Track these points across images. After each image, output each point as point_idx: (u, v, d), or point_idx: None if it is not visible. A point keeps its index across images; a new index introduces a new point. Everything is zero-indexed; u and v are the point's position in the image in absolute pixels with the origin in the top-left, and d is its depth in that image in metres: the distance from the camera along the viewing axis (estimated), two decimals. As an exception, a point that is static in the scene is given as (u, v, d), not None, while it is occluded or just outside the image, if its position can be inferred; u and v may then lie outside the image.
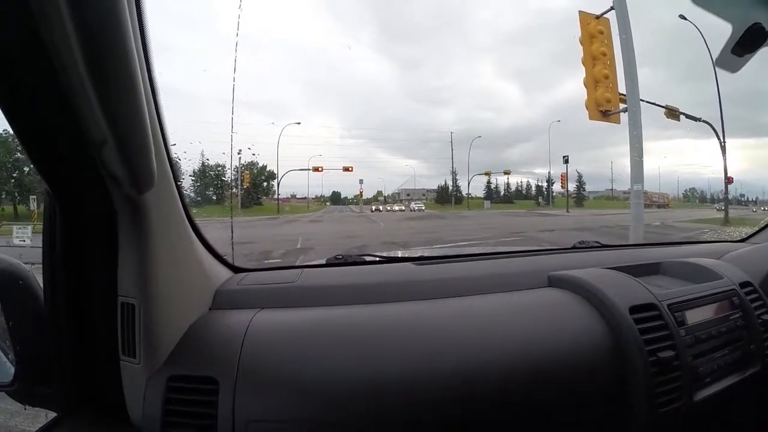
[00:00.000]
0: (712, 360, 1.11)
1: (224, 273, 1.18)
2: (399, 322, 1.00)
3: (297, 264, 1.39)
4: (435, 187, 48.92)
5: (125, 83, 0.61)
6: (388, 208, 36.98)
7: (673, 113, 10.96)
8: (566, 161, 31.43)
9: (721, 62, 1.09)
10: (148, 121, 0.67)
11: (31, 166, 0.73)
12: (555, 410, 0.95)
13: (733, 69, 1.11)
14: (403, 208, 37.13)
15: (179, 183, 0.93)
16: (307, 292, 1.11)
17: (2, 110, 0.64)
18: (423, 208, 36.33)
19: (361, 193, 37.93)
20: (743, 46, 1.00)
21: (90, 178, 0.75)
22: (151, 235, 0.82)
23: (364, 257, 1.42)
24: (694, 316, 1.14)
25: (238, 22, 1.77)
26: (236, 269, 1.24)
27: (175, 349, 0.88)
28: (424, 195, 49.55)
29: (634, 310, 1.06)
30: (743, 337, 1.20)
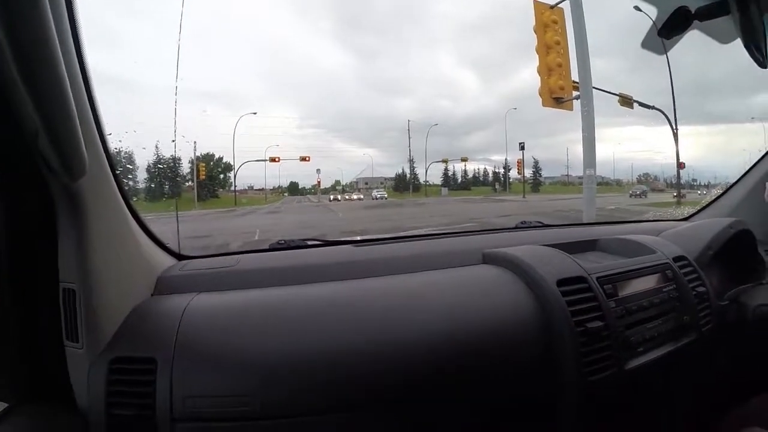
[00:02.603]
0: (644, 330, 1.16)
1: (167, 260, 1.20)
2: (335, 300, 1.03)
3: (239, 250, 1.41)
4: (393, 175, 48.90)
5: (50, 73, 0.62)
6: (347, 197, 36.63)
7: (626, 101, 11.36)
8: (522, 148, 31.79)
9: (648, 44, 1.14)
10: (75, 110, 0.68)
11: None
12: (488, 380, 0.99)
13: (661, 51, 1.17)
14: (362, 196, 36.72)
15: (117, 171, 0.96)
16: (245, 275, 1.14)
17: None
18: (386, 195, 35.64)
19: (318, 182, 37.66)
20: (670, 28, 1.03)
21: (28, 167, 0.76)
22: (88, 222, 0.84)
23: (306, 241, 1.45)
24: (625, 289, 1.19)
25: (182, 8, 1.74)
26: (180, 257, 1.26)
27: (116, 333, 0.91)
28: (382, 183, 49.45)
29: (561, 282, 1.10)
30: (677, 308, 1.26)
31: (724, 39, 1.14)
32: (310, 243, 1.44)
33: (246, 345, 0.89)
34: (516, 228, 1.75)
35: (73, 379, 0.89)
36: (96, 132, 0.85)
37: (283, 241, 1.43)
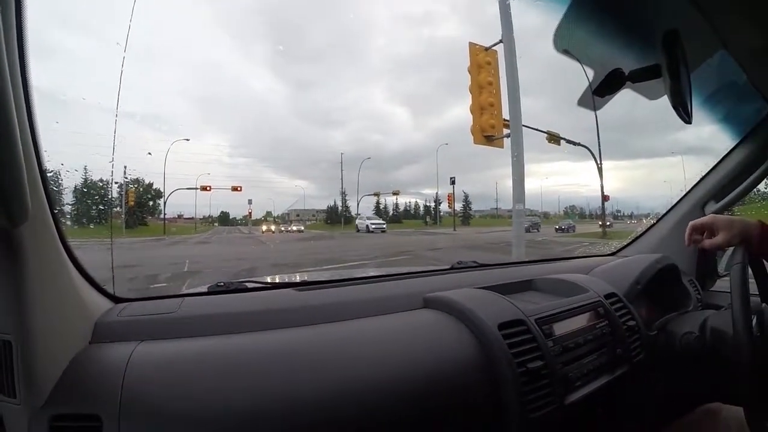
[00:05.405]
0: (581, 366, 1.22)
1: (104, 304, 1.12)
2: (280, 349, 1.01)
3: (179, 292, 1.36)
4: (325, 207, 48.86)
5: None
6: (282, 228, 35.72)
7: (554, 138, 12.01)
8: (453, 182, 32.69)
9: (583, 102, 1.24)
10: (22, 155, 0.65)
11: None
12: (435, 424, 1.00)
13: (595, 108, 1.27)
14: (302, 228, 35.72)
15: (55, 211, 0.89)
16: (187, 322, 1.09)
17: None
18: (384, 226, 33.96)
19: (250, 213, 37.06)
20: (605, 88, 1.12)
21: None
22: (27, 268, 0.77)
23: (246, 283, 1.42)
24: (561, 328, 1.24)
25: (128, 30, 1.70)
26: (117, 299, 1.18)
27: (56, 386, 0.84)
28: (314, 215, 49.32)
29: (502, 326, 1.13)
30: (610, 343, 1.33)
31: (652, 96, 1.24)
32: (250, 285, 1.41)
33: (195, 399, 0.85)
34: (453, 269, 1.78)
35: None
36: (38, 172, 0.80)
37: (222, 283, 1.37)
